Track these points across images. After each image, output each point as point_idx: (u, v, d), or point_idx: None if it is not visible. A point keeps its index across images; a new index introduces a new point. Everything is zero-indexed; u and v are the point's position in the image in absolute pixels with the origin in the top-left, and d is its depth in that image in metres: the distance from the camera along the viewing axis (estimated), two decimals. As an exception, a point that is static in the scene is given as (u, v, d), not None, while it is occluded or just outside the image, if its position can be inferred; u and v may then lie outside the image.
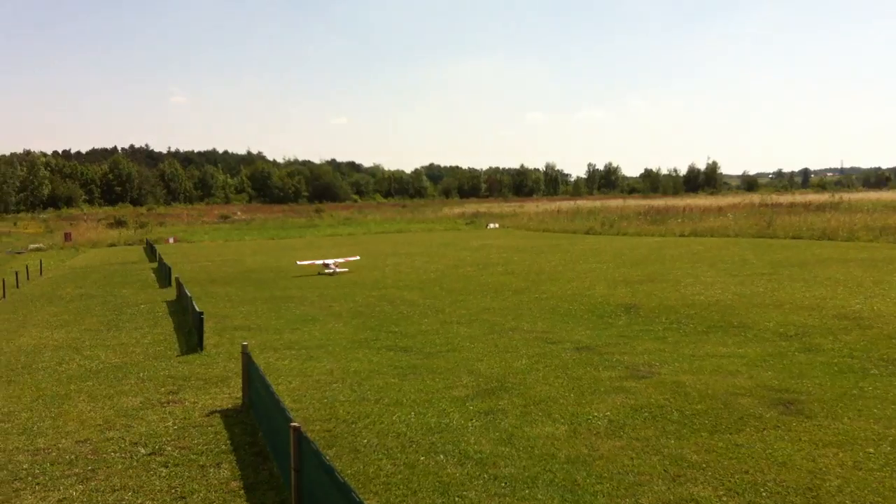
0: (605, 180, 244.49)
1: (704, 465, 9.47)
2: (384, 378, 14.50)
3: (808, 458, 9.61)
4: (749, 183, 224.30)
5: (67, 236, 70.87)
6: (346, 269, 36.18)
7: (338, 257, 39.43)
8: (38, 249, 62.06)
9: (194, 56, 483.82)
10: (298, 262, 38.31)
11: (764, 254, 37.68)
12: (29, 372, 16.39)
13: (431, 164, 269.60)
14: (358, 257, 40.91)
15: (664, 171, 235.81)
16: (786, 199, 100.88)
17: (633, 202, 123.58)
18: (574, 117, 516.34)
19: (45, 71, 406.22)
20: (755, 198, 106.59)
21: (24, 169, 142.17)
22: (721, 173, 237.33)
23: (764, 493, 8.62)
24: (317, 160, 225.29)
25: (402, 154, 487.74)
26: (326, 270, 35.46)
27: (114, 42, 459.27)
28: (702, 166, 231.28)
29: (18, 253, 58.78)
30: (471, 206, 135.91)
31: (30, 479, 9.81)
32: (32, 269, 39.94)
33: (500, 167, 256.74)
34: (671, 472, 9.30)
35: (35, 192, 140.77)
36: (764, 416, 11.29)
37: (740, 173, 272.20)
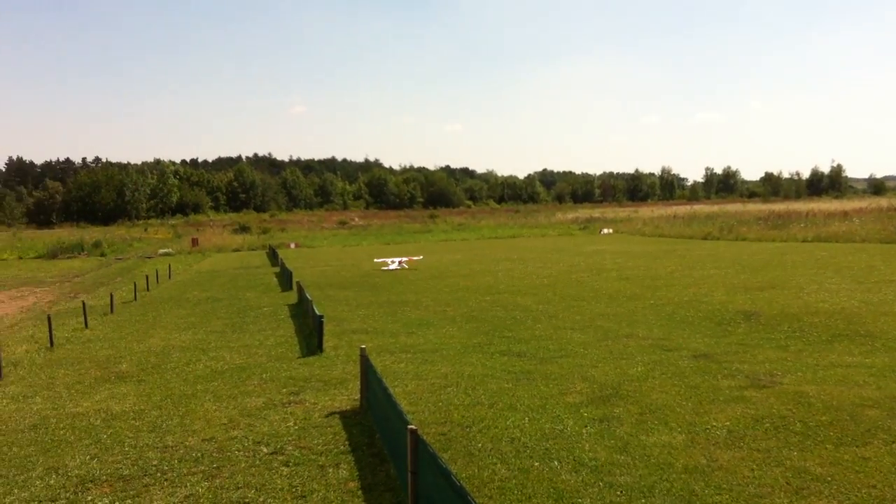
0: (722, 184, 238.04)
1: (829, 479, 9.15)
2: (498, 382, 14.58)
3: (943, 475, 9.16)
4: (876, 186, 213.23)
5: (194, 241, 73.77)
6: (405, 267, 41.99)
7: (415, 255, 47.94)
8: (166, 254, 65.09)
9: (314, 67, 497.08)
10: (375, 260, 46.46)
11: (892, 260, 35.95)
12: (158, 372, 17.22)
13: (544, 170, 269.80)
14: (421, 257, 47.69)
15: (785, 175, 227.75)
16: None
17: (753, 207, 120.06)
18: (690, 121, 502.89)
19: (175, 85, 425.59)
20: (883, 202, 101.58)
21: (155, 177, 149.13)
22: (846, 176, 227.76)
23: (894, 510, 8.29)
24: (431, 167, 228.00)
25: (515, 160, 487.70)
26: (389, 267, 41.75)
27: (238, 56, 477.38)
28: (825, 169, 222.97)
29: (149, 257, 61.75)
30: (584, 212, 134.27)
31: (159, 475, 10.30)
32: (162, 273, 41.84)
33: (614, 172, 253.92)
34: (794, 484, 9.04)
35: (164, 199, 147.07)
36: (893, 429, 10.81)
37: (867, 176, 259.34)
